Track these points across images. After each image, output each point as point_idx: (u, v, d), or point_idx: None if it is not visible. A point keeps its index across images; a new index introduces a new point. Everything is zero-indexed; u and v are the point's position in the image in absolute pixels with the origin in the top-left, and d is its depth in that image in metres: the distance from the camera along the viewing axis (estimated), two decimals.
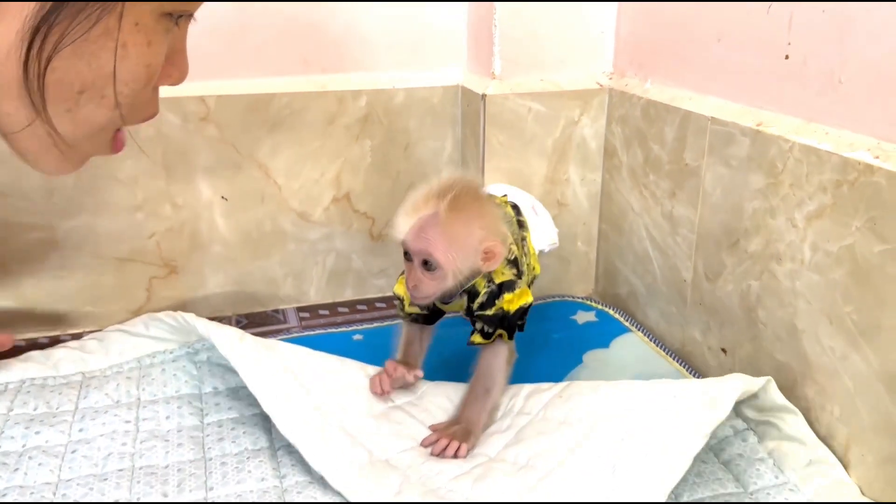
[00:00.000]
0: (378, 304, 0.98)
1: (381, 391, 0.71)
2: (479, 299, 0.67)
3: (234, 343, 0.69)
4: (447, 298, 0.68)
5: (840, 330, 0.60)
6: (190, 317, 0.74)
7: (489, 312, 0.67)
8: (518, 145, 0.91)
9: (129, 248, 0.89)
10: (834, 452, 0.61)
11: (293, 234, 0.94)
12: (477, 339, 0.68)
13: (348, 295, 1.00)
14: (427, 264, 0.63)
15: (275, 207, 0.93)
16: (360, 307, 0.98)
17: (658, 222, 0.83)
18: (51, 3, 0.41)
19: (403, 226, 0.65)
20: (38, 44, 0.42)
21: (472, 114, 0.91)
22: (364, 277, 1.00)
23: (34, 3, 0.41)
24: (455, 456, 0.65)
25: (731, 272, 0.72)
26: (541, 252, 0.77)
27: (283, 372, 0.69)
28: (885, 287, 0.55)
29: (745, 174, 0.69)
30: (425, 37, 0.94)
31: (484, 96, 0.88)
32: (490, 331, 0.67)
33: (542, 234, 0.77)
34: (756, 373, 0.70)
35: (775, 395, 0.64)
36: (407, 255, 0.65)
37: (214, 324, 0.73)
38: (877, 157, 0.56)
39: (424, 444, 0.67)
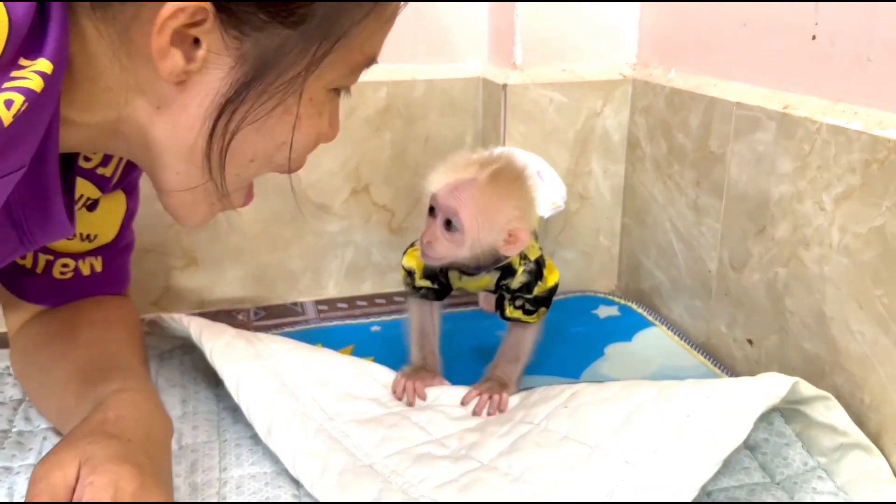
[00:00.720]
0: (397, 299, 0.97)
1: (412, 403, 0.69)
2: (519, 278, 0.66)
3: (220, 348, 0.67)
4: (472, 270, 0.66)
5: (870, 315, 0.58)
6: (182, 318, 0.72)
7: (531, 296, 0.67)
8: (539, 137, 0.90)
9: (149, 238, 0.89)
10: None
11: (312, 226, 0.94)
12: (517, 314, 0.68)
13: (367, 289, 0.99)
14: (449, 224, 0.62)
15: (294, 199, 0.92)
16: (378, 301, 0.97)
17: (683, 213, 0.82)
18: (240, 83, 0.44)
19: (437, 181, 0.64)
20: (224, 120, 0.45)
21: (493, 105, 0.91)
22: (383, 271, 0.99)
23: (227, 81, 0.44)
24: (500, 409, 0.66)
25: (758, 261, 0.70)
26: (541, 218, 0.75)
27: (270, 377, 0.66)
28: None
29: (771, 159, 0.67)
30: (446, 28, 0.93)
31: (505, 86, 0.87)
32: (532, 309, 0.67)
33: (544, 199, 0.75)
34: (783, 364, 0.68)
35: (804, 389, 0.61)
36: (432, 211, 0.64)
37: (207, 324, 0.71)
38: None
39: (464, 402, 0.67)
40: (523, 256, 0.67)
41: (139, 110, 0.46)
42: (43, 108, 0.40)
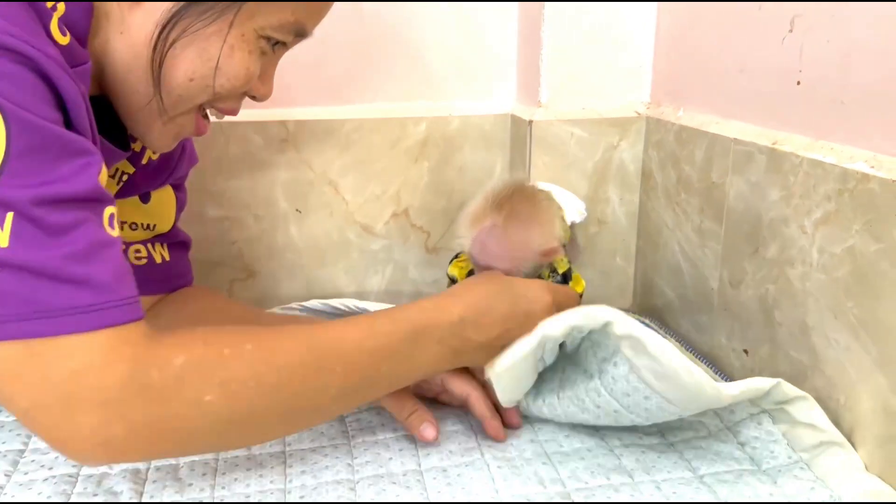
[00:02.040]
0: None
1: None
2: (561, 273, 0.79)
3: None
4: None
5: (844, 324, 0.67)
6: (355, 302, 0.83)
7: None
8: (561, 167, 1.00)
9: (215, 253, 1.01)
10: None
11: (357, 244, 1.05)
12: None
13: (403, 301, 1.09)
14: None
15: (342, 220, 1.03)
16: None
17: (689, 236, 0.91)
18: (182, 2, 0.54)
19: (466, 236, 0.73)
20: (166, 32, 0.55)
21: (520, 138, 1.01)
22: (419, 287, 1.09)
23: (171, 2, 0.54)
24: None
25: (752, 278, 0.79)
26: (572, 224, 0.87)
27: None
28: (881, 282, 0.62)
29: (763, 188, 0.76)
30: (479, 69, 1.04)
31: (531, 122, 0.98)
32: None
33: (571, 208, 0.88)
34: (774, 371, 0.77)
35: (787, 390, 0.70)
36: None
37: None
38: (872, 167, 0.63)
39: None
40: (552, 269, 0.77)
41: (108, 37, 0.56)
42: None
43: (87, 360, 0.47)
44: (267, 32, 0.59)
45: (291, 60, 0.69)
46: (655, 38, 0.98)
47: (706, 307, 0.89)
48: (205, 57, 0.57)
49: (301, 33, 0.62)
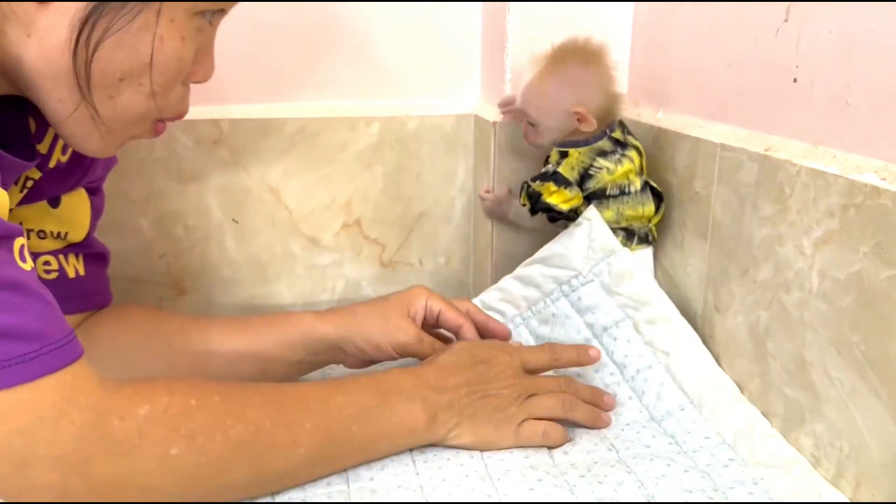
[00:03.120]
0: None
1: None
2: (542, 169, 0.79)
3: None
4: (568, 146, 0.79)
5: (848, 361, 0.57)
6: None
7: (532, 184, 0.78)
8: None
9: (140, 268, 0.90)
10: (843, 492, 0.58)
11: (302, 258, 0.95)
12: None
13: None
14: (532, 122, 0.79)
15: (285, 231, 0.93)
16: None
17: (669, 252, 0.81)
18: (96, 0, 0.47)
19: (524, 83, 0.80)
20: (86, 34, 0.48)
21: (484, 141, 0.91)
22: None
23: (85, 0, 0.47)
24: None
25: (741, 303, 0.70)
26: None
27: None
28: (893, 315, 0.53)
29: (753, 201, 0.67)
30: (439, 65, 0.94)
31: (495, 123, 0.88)
32: (522, 194, 0.80)
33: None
34: (766, 409, 0.67)
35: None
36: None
37: None
38: (883, 179, 0.53)
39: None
40: (559, 161, 0.78)
41: (11, 39, 0.49)
42: None
43: (36, 412, 0.45)
44: (201, 7, 0.52)
45: (225, 51, 0.59)
46: (632, 33, 0.88)
47: None
48: (133, 55, 0.50)
49: None
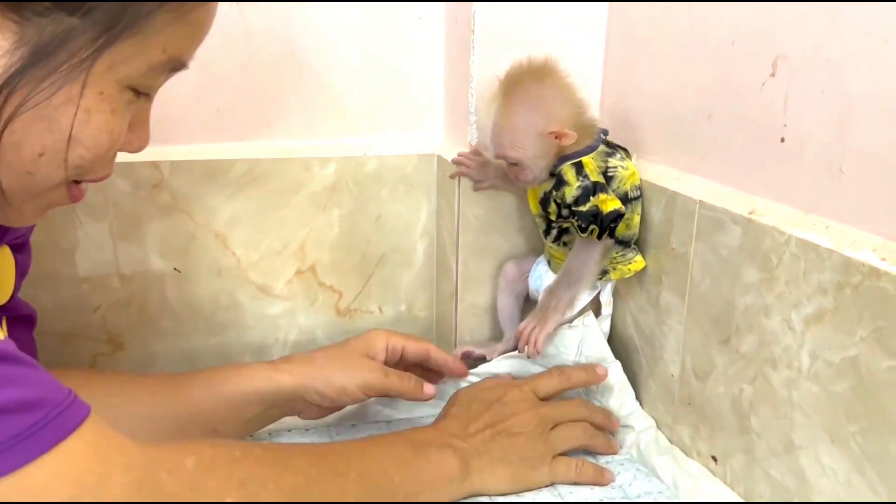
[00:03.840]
0: None
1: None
2: (573, 193, 0.70)
3: None
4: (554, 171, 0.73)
5: (843, 452, 0.53)
6: None
7: (584, 208, 0.70)
8: (495, 220, 0.84)
9: (72, 322, 0.82)
10: None
11: (252, 308, 0.88)
12: (571, 223, 0.72)
13: None
14: (511, 162, 0.72)
15: (231, 280, 0.86)
16: None
17: (643, 307, 0.76)
18: (15, 68, 0.43)
19: (482, 128, 0.77)
20: None
21: (448, 184, 0.85)
22: None
23: (3, 63, 0.43)
24: (536, 349, 0.73)
25: (723, 372, 0.65)
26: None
27: None
28: (895, 408, 0.48)
29: (736, 266, 0.62)
30: (400, 102, 0.88)
31: None
32: (584, 226, 0.70)
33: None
34: (749, 489, 0.63)
35: None
36: None
37: None
38: (883, 260, 0.49)
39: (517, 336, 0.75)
40: (584, 175, 0.70)
41: None
42: None
43: (76, 481, 0.42)
44: (134, 82, 0.47)
45: (166, 87, 0.52)
46: (603, 74, 0.83)
47: (665, 396, 0.74)
48: (55, 129, 0.46)
49: (177, 67, 0.50)
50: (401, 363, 0.75)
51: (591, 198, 0.70)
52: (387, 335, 0.74)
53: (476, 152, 0.81)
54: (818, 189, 0.56)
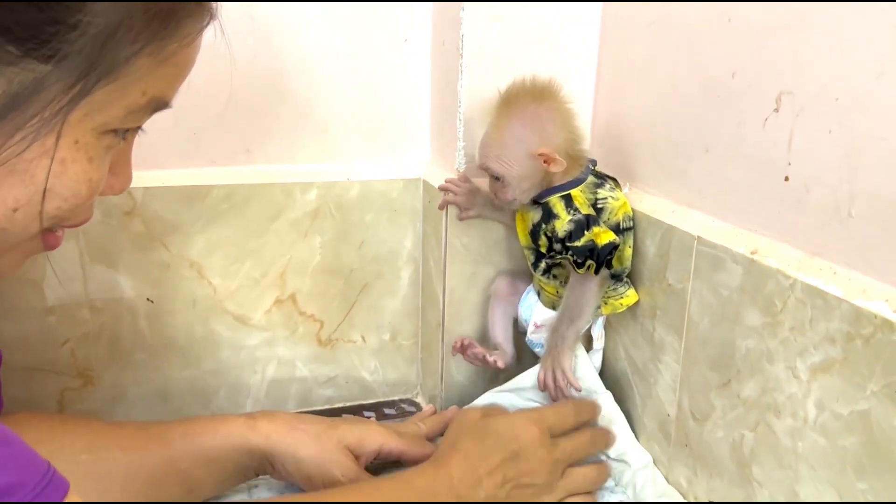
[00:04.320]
0: None
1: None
2: (565, 227, 0.68)
3: None
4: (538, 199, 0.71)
5: None
6: None
7: (579, 244, 0.68)
8: (483, 248, 0.82)
9: (40, 356, 0.78)
10: None
11: (228, 339, 0.84)
12: (566, 258, 0.70)
13: (290, 406, 0.89)
14: (496, 177, 0.70)
15: (207, 310, 0.82)
16: None
17: (638, 343, 0.74)
18: None
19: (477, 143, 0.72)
20: None
21: (434, 211, 0.82)
22: (309, 387, 0.89)
23: None
24: (556, 384, 0.72)
25: (722, 416, 0.63)
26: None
27: None
28: None
29: (737, 307, 0.60)
30: (385, 125, 0.85)
31: None
32: (580, 261, 0.68)
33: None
34: None
35: None
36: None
37: None
38: None
39: (540, 388, 0.74)
40: (574, 208, 0.69)
41: None
42: None
43: None
44: (113, 126, 0.44)
45: None
46: (594, 99, 0.80)
47: (660, 436, 0.72)
48: (29, 183, 0.42)
49: (160, 108, 0.46)
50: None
51: (586, 232, 0.68)
52: (384, 437, 0.69)
53: (464, 178, 0.78)
54: (825, 232, 0.53)
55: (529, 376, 0.77)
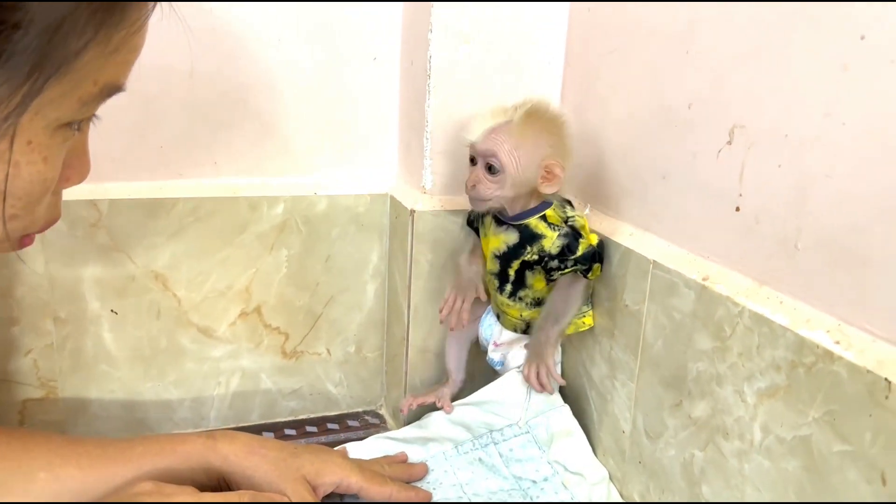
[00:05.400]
0: (287, 431, 0.88)
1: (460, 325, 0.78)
2: (556, 243, 0.70)
3: None
4: (508, 219, 0.72)
5: None
6: None
7: (580, 253, 0.69)
8: (448, 265, 0.83)
9: (2, 366, 0.78)
10: None
11: (193, 351, 0.84)
12: (573, 270, 0.71)
13: (254, 419, 0.89)
14: (491, 168, 0.68)
15: (171, 322, 0.82)
16: (266, 433, 0.87)
17: (595, 360, 0.76)
18: None
19: (476, 130, 0.69)
20: None
21: (401, 227, 0.84)
22: (274, 399, 0.90)
23: None
24: (540, 383, 0.73)
25: (674, 435, 0.65)
26: None
27: None
28: (846, 493, 0.48)
29: (689, 331, 0.62)
30: (353, 142, 0.86)
31: (413, 212, 0.80)
32: (587, 267, 0.70)
33: None
34: None
35: None
36: (473, 160, 0.70)
37: None
38: (837, 343, 0.49)
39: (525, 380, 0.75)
40: (551, 224, 0.70)
41: None
42: None
43: None
44: (66, 120, 0.42)
45: (105, 123, 0.48)
46: None
47: (616, 452, 0.74)
48: None
49: (114, 92, 0.45)
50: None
51: (581, 240, 0.70)
52: (344, 472, 0.67)
53: (454, 298, 0.79)
54: (773, 263, 0.55)
55: (491, 390, 0.78)
